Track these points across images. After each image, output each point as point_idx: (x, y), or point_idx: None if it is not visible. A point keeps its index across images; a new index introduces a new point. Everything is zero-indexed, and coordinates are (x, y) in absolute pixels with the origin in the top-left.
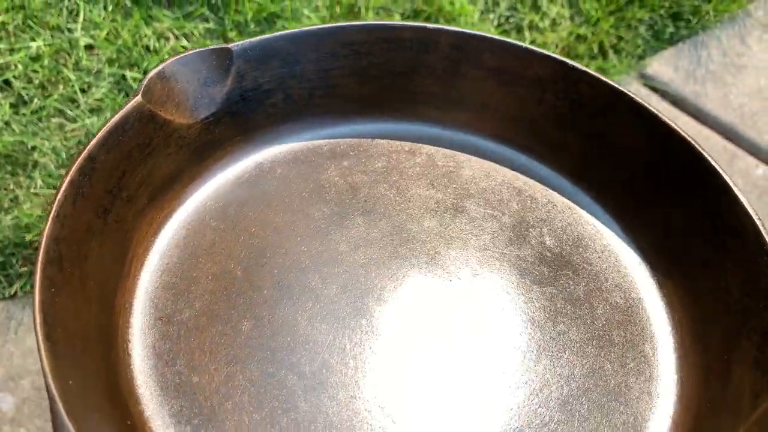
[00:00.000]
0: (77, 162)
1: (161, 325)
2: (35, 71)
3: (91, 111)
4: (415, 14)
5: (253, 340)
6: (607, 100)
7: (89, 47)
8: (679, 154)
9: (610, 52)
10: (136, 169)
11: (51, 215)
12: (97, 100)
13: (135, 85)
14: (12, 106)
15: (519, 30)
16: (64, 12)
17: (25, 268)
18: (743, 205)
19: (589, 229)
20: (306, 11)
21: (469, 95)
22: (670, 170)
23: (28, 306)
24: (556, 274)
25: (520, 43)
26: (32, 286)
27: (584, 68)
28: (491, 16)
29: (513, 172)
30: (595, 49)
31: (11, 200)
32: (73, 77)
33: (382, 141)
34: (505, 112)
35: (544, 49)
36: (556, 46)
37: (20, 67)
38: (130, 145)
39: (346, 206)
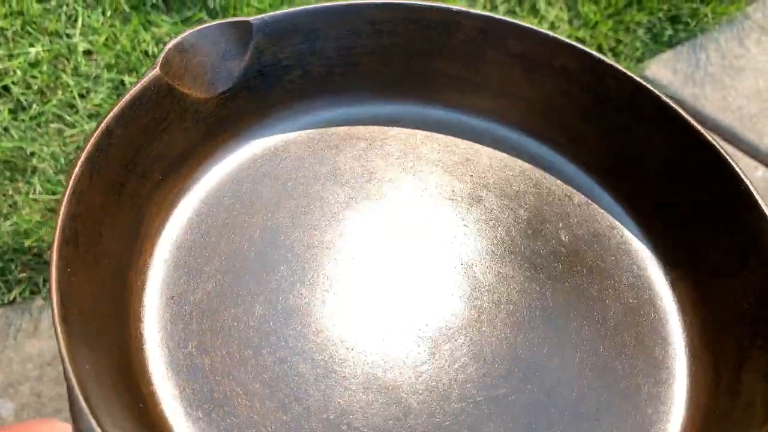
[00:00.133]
0: (94, 136)
1: (173, 305)
2: (34, 77)
3: (90, 116)
4: None
5: (266, 325)
6: (632, 96)
7: (88, 53)
8: (701, 157)
9: (609, 55)
10: (151, 144)
11: (67, 192)
12: (96, 105)
13: None
14: (11, 111)
15: None
16: (63, 17)
17: (24, 274)
18: (764, 213)
19: (605, 226)
20: None
21: (492, 80)
22: (691, 172)
23: (27, 312)
24: (570, 271)
25: (547, 32)
26: (48, 265)
27: (610, 62)
28: None
29: (531, 164)
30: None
31: (10, 206)
32: (71, 83)
33: (400, 124)
34: (528, 100)
35: None
36: None
37: (19, 72)
38: (147, 119)
39: (362, 190)
